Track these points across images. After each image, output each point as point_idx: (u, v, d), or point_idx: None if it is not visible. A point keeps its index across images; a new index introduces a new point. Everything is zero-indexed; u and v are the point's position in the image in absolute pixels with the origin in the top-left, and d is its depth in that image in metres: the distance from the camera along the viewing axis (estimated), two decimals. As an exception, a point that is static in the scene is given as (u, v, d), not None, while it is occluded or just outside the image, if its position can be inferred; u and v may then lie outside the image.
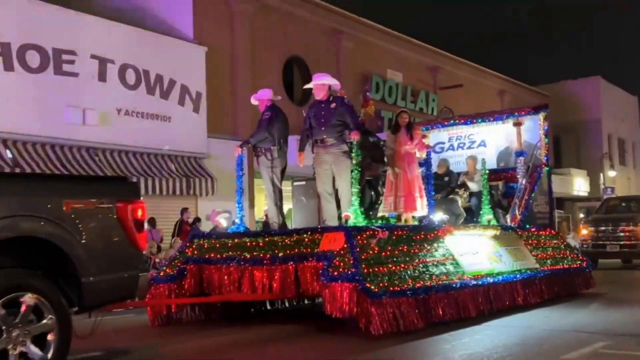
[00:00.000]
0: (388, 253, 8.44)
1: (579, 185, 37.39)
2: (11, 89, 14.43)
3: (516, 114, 13.35)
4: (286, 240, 8.61)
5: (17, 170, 13.68)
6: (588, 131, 41.23)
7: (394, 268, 8.30)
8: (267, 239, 8.79)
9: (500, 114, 13.66)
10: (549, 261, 11.99)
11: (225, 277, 8.79)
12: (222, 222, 11.29)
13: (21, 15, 14.80)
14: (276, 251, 8.56)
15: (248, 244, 8.89)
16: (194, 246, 9.41)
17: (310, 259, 8.19)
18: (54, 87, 15.17)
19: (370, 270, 7.96)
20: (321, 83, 9.58)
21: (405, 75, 27.89)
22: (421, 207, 10.22)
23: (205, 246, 9.30)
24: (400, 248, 8.69)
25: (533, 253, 11.73)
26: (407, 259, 8.64)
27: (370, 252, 8.20)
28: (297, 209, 9.71)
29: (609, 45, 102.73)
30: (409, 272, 8.46)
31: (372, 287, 7.73)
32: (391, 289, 7.97)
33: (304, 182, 9.75)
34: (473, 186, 12.70)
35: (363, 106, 11.30)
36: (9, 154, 14.09)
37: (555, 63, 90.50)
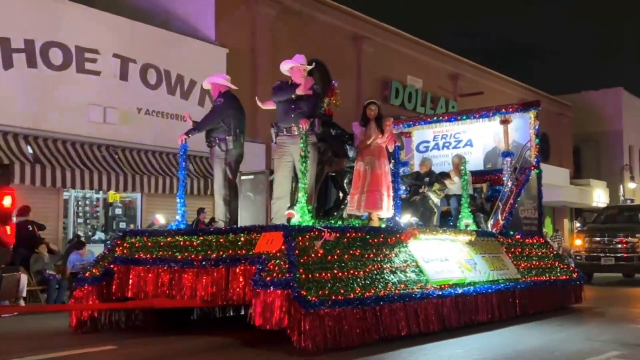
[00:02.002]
0: (336, 257, 7.42)
1: (599, 196, 36.36)
2: (33, 86, 14.37)
3: (503, 110, 12.29)
4: (221, 240, 7.61)
5: (37, 166, 13.59)
6: (609, 142, 40.27)
7: (340, 274, 7.28)
8: (201, 239, 7.79)
9: (487, 110, 12.61)
10: (533, 271, 10.94)
11: (153, 280, 7.80)
12: (160, 219, 10.28)
13: (45, 13, 14.82)
14: (209, 252, 7.56)
15: (181, 243, 7.90)
16: (125, 244, 8.43)
17: (244, 261, 7.18)
18: (75, 84, 15.09)
19: (310, 276, 6.94)
20: (300, 66, 8.60)
21: (426, 82, 27.45)
22: (387, 207, 9.19)
23: (137, 245, 8.32)
24: (351, 252, 7.67)
25: (515, 262, 10.68)
26: (359, 264, 7.62)
27: (313, 255, 7.18)
28: (244, 206, 8.71)
29: (632, 57, 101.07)
30: (358, 279, 7.44)
31: (309, 296, 6.72)
32: (333, 297, 6.95)
33: (252, 176, 8.75)
34: (453, 187, 11.64)
35: (328, 96, 10.28)
36: (29, 150, 13.91)
37: (577, 73, 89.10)
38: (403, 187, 12.70)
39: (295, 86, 8.47)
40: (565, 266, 12.15)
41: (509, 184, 11.86)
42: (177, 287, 7.63)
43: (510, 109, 12.25)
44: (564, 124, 38.05)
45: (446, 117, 13.02)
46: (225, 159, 8.97)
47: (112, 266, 8.15)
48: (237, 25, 19.77)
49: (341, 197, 10.09)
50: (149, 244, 8.20)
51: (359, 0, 24.11)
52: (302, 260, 6.98)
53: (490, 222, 11.32)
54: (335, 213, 9.89)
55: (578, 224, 19.20)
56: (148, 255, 8.03)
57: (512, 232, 11.26)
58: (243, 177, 8.77)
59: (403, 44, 26.52)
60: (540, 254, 11.59)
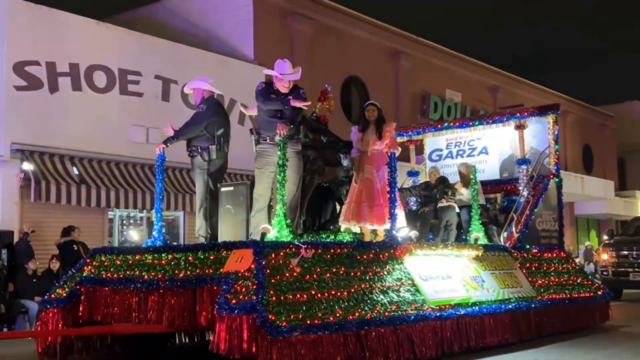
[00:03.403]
0: (315, 276, 6.67)
1: (645, 208, 35.10)
2: (79, 108, 14.64)
3: (518, 115, 11.42)
4: (189, 258, 6.91)
5: (83, 187, 13.99)
6: (655, 153, 39.13)
7: (319, 295, 6.52)
8: (170, 257, 7.11)
9: (501, 115, 11.75)
10: (551, 289, 10.03)
11: (120, 303, 7.13)
12: (134, 235, 9.61)
13: (89, 37, 15.21)
14: (176, 271, 6.88)
15: (149, 261, 7.22)
16: (94, 263, 7.79)
17: (210, 282, 6.48)
18: (119, 106, 15.37)
19: (282, 297, 6.20)
20: (284, 77, 7.89)
21: (465, 95, 27.11)
22: (386, 220, 8.43)
23: (106, 263, 7.66)
24: (334, 270, 6.91)
25: (530, 279, 9.79)
26: (342, 283, 6.86)
27: (288, 274, 6.44)
28: (224, 220, 8.02)
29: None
30: (340, 301, 6.67)
31: (278, 321, 5.97)
32: (308, 322, 6.20)
33: (231, 188, 8.05)
34: (463, 198, 10.81)
35: (320, 100, 9.57)
36: (75, 171, 14.13)
37: (621, 83, 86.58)
38: (413, 199, 11.96)
39: (283, 95, 7.77)
40: (589, 282, 11.19)
41: (525, 193, 10.98)
42: (144, 310, 6.96)
43: (526, 113, 11.38)
44: (606, 135, 37.06)
45: (457, 123, 12.19)
46: (208, 169, 8.31)
47: (78, 287, 7.52)
48: (275, 44, 19.92)
49: (338, 210, 9.38)
50: (118, 262, 7.55)
51: (395, 16, 24.48)
52: (273, 281, 6.24)
53: (504, 235, 10.44)
54: (331, 227, 9.17)
55: (606, 237, 17.99)
56: (115, 275, 7.37)
57: (528, 246, 10.37)
58: (223, 189, 8.07)
59: (441, 57, 26.40)
60: (560, 269, 10.67)
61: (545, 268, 10.33)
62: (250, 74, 17.66)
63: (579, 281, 10.82)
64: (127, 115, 15.37)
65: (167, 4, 21.12)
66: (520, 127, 11.37)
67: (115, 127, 15.10)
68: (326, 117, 9.70)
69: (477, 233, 9.76)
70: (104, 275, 7.48)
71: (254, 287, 6.10)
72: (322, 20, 21.70)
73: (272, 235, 7.02)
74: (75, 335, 7.38)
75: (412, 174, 12.67)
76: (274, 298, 6.12)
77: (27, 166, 13.64)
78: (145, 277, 7.05)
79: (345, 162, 8.96)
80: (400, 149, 8.82)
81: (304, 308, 6.29)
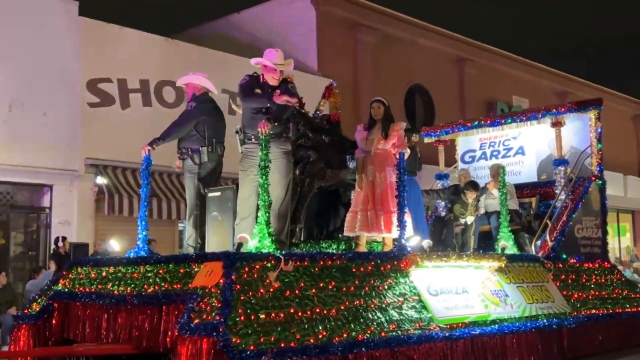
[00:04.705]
0: (297, 292, 5.88)
1: None
2: (149, 123, 14.40)
3: (554, 111, 10.39)
4: (160, 272, 6.22)
5: (154, 199, 14.36)
6: None
7: (300, 313, 5.73)
8: (142, 269, 6.43)
9: (536, 111, 10.72)
10: (589, 303, 8.99)
11: (90, 320, 6.50)
12: (114, 245, 8.97)
13: (158, 53, 15.72)
14: (145, 286, 6.20)
15: (121, 275, 6.57)
16: (70, 275, 7.17)
17: (176, 298, 5.77)
18: None
19: (253, 317, 5.43)
20: (274, 65, 7.13)
21: (532, 101, 26.29)
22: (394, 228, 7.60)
23: (81, 276, 7.04)
24: (322, 284, 6.10)
25: (565, 292, 8.78)
26: (330, 300, 6.05)
27: (263, 290, 5.67)
28: (211, 229, 7.31)
29: None
30: (326, 320, 5.86)
31: (244, 344, 5.20)
32: (282, 345, 5.41)
33: (218, 193, 7.34)
34: (494, 202, 9.84)
35: (324, 97, 8.80)
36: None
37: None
38: (442, 204, 11.09)
39: (270, 88, 7.02)
40: (638, 295, 10.07)
41: (562, 197, 9.94)
42: (113, 329, 6.31)
43: (563, 109, 10.34)
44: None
45: (489, 121, 11.19)
46: (199, 173, 7.64)
47: (51, 302, 6.92)
48: (339, 55, 20.27)
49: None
50: (92, 275, 6.92)
51: (460, 24, 24.10)
52: (243, 298, 5.48)
53: (537, 243, 9.44)
54: (340, 235, 8.38)
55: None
56: (87, 289, 6.75)
57: (564, 256, 9.34)
58: (210, 195, 7.35)
59: (507, 64, 26.07)
60: (602, 281, 9.61)
61: (584, 280, 9.30)
62: (314, 85, 17.62)
63: (624, 294, 9.73)
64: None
65: (233, 18, 21.69)
66: (557, 125, 10.35)
67: (184, 141, 15.45)
68: (338, 115, 8.92)
69: (505, 241, 8.82)
70: (77, 289, 6.87)
71: (219, 305, 5.36)
72: (386, 30, 21.88)
73: (252, 245, 6.26)
74: (32, 357, 6.76)
75: (441, 176, 11.75)
76: (242, 317, 5.35)
77: (101, 180, 14.17)
78: (115, 292, 6.40)
79: (351, 164, 8.15)
80: (409, 150, 7.94)
81: (279, 329, 5.50)
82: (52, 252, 13.41)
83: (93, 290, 6.67)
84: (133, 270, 6.49)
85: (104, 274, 6.78)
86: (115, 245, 8.74)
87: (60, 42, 14.39)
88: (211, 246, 7.23)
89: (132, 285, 6.32)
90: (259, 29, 20.68)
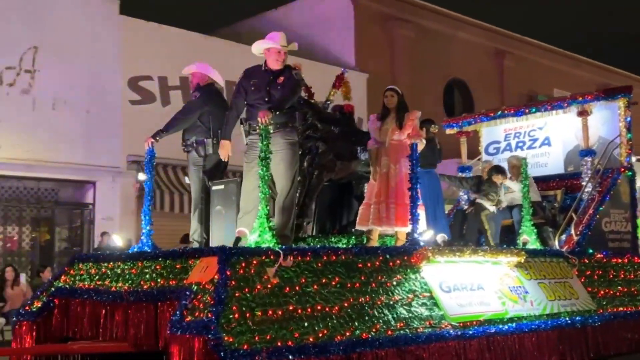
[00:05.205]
0: (298, 288, 5.62)
1: None
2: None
3: (580, 99, 9.94)
4: (157, 267, 6.01)
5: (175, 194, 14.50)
6: None
7: (299, 311, 5.47)
8: (140, 265, 6.23)
9: (561, 100, 10.28)
10: (616, 300, 8.55)
11: (89, 317, 6.33)
12: (117, 240, 8.78)
13: (198, 50, 15.44)
14: (142, 282, 5.99)
15: (119, 271, 6.37)
16: (71, 271, 7.00)
17: (171, 295, 5.55)
18: None
19: (248, 314, 5.18)
20: (278, 47, 6.84)
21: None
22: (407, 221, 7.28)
23: (82, 272, 6.87)
24: (324, 281, 5.82)
25: (590, 289, 8.36)
26: (333, 296, 5.77)
27: (260, 286, 5.41)
28: (216, 223, 7.09)
29: None
30: (328, 317, 5.59)
31: (237, 343, 4.96)
32: (279, 344, 5.16)
33: (222, 186, 7.11)
34: (517, 195, 9.46)
35: (335, 86, 8.50)
36: (186, 180, 15.10)
37: None
38: (465, 197, 10.74)
39: (271, 74, 6.75)
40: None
41: (589, 189, 9.51)
42: (110, 327, 6.12)
43: (589, 97, 9.88)
44: None
45: (512, 111, 10.77)
46: (204, 166, 7.43)
47: (52, 298, 6.76)
48: (376, 50, 20.21)
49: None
50: (93, 271, 6.74)
51: (498, 16, 23.89)
52: (238, 294, 5.23)
53: (561, 238, 9.03)
54: (353, 229, 8.09)
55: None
56: (86, 286, 6.57)
57: (590, 251, 8.91)
58: (213, 188, 7.14)
59: (547, 56, 25.62)
60: (631, 277, 9.14)
61: (611, 276, 8.85)
62: (352, 80, 17.91)
63: (656, 290, 9.25)
64: (235, 125, 15.64)
65: (270, 15, 21.78)
66: (583, 114, 9.91)
67: (225, 137, 15.66)
68: (351, 106, 8.62)
69: (527, 236, 8.44)
70: (77, 286, 6.70)
71: (212, 301, 5.12)
72: (423, 24, 21.72)
73: (252, 240, 6.01)
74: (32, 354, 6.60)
75: (464, 169, 11.36)
76: (236, 315, 5.11)
77: (143, 177, 13.98)
78: (113, 288, 6.21)
79: (363, 156, 7.86)
80: (424, 141, 7.62)
81: (276, 327, 5.25)
82: (95, 247, 13.58)
83: (92, 286, 6.49)
84: (131, 266, 6.30)
85: (103, 270, 6.60)
86: (118, 240, 8.58)
87: (102, 40, 14.69)
88: (215, 241, 7.01)
89: (130, 282, 6.12)
90: (296, 25, 20.66)
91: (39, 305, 6.83)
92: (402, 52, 21.08)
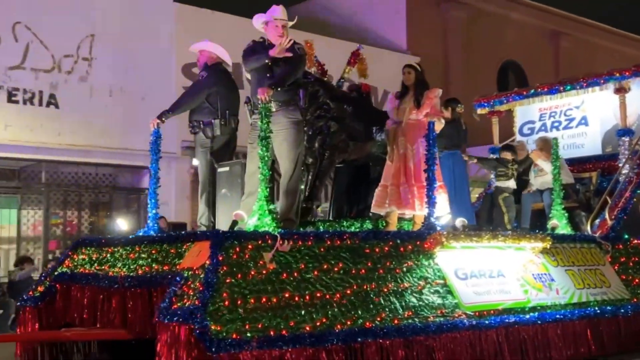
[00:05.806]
0: (296, 274, 5.32)
1: None
2: (241, 106, 15.75)
3: (617, 75, 9.37)
4: (152, 252, 5.78)
5: None
6: None
7: (296, 298, 5.17)
8: (138, 249, 6.01)
9: (597, 77, 9.71)
10: (653, 289, 8.02)
11: (87, 303, 6.15)
12: (122, 225, 8.56)
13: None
14: (137, 267, 5.77)
15: (119, 256, 6.16)
16: (75, 256, 6.82)
17: (163, 281, 5.31)
18: None
19: (240, 301, 4.90)
20: (276, 21, 6.54)
21: None
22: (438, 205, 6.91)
23: (84, 257, 6.69)
24: (326, 266, 5.50)
25: (624, 277, 7.86)
26: (335, 283, 5.45)
27: (254, 272, 5.13)
28: (221, 206, 6.82)
29: None
30: (328, 305, 5.28)
31: (225, 332, 4.69)
32: (272, 333, 4.87)
33: (227, 168, 6.83)
34: (547, 178, 8.96)
35: (350, 63, 8.13)
36: (194, 162, 15.97)
37: None
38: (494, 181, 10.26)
39: (271, 48, 6.43)
40: None
41: (626, 171, 8.96)
42: (107, 313, 5.93)
43: (627, 73, 9.31)
44: None
45: (546, 89, 10.23)
46: (211, 147, 7.17)
47: (54, 283, 6.61)
48: (428, 32, 19.95)
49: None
50: (94, 256, 6.55)
51: None
52: (229, 280, 4.96)
53: (596, 222, 8.52)
54: (371, 213, 7.74)
55: None
56: (87, 271, 6.39)
57: (626, 236, 8.38)
58: (219, 170, 6.88)
59: (604, 37, 25.08)
60: (669, 264, 8.58)
61: (647, 263, 8.32)
62: (404, 64, 18.07)
63: (697, 279, 8.67)
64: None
65: (322, 0, 21.54)
66: (621, 91, 9.36)
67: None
68: (369, 86, 8.25)
69: (556, 220, 7.97)
70: (79, 271, 6.52)
71: (200, 288, 4.86)
72: (477, 5, 21.36)
73: (251, 223, 5.73)
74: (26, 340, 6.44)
75: (495, 150, 10.87)
76: (226, 302, 4.84)
77: (196, 162, 14.30)
78: (110, 274, 6.01)
79: (379, 137, 7.49)
80: (443, 120, 7.22)
81: (270, 315, 4.96)
82: None
83: (92, 271, 6.30)
84: (130, 250, 6.09)
85: (103, 254, 6.41)
86: (122, 225, 8.39)
87: (156, 28, 14.84)
88: (220, 225, 6.76)
89: (127, 267, 5.91)
90: (349, 10, 20.59)
91: (42, 291, 6.68)
92: (455, 34, 20.77)
